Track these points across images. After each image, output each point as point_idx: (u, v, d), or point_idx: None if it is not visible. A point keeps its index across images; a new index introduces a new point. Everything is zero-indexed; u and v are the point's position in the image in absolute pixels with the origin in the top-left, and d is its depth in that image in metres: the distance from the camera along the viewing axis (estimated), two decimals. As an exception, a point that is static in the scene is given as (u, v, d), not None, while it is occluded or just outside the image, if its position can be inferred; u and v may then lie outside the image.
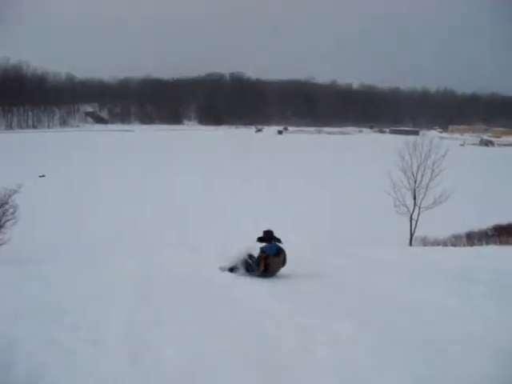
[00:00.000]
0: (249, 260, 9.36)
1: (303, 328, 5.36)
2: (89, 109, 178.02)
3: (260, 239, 9.61)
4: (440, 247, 19.83)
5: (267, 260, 9.06)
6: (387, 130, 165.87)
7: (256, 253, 9.32)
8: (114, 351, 4.74)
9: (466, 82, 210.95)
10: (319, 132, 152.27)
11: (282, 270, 9.24)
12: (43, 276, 9.50)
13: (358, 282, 8.41)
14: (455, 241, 24.25)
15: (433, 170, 26.59)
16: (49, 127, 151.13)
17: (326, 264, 10.88)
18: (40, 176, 52.19)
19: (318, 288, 7.86)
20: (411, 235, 25.66)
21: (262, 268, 9.09)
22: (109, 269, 10.10)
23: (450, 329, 5.27)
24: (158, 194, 42.88)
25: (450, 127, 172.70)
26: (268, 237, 9.55)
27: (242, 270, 9.34)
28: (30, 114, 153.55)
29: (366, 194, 40.14)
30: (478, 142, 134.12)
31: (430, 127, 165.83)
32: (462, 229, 25.34)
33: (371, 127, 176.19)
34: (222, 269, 9.71)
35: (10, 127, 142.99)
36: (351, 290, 7.61)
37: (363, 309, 6.22)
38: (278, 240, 9.54)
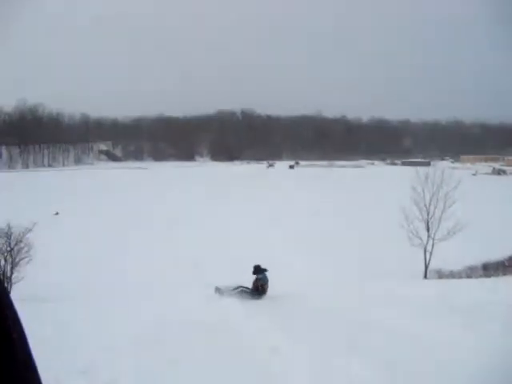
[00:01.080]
0: (244, 289, 13.62)
1: (311, 364, 5.27)
2: (103, 147, 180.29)
3: (254, 271, 13.89)
4: (455, 280, 19.51)
5: (264, 285, 13.58)
6: (399, 161, 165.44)
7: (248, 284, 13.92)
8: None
9: (475, 112, 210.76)
10: (331, 166, 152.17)
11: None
12: (55, 316, 9.49)
13: (367, 317, 8.25)
14: (470, 272, 23.93)
15: (445, 201, 26.38)
16: (64, 165, 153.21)
17: (341, 299, 10.76)
18: (54, 214, 52.60)
19: (334, 324, 7.71)
20: (426, 267, 25.32)
21: (260, 290, 13.50)
22: (122, 310, 10.05)
23: (465, 368, 5.08)
24: (170, 234, 42.75)
25: (462, 157, 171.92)
26: (258, 269, 13.82)
27: (235, 295, 12.82)
28: (45, 152, 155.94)
29: (380, 227, 39.82)
30: (490, 171, 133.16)
31: (442, 158, 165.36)
32: (478, 260, 25.01)
33: (383, 159, 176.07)
34: (218, 291, 13.35)
35: (26, 166, 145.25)
36: (362, 326, 7.47)
37: (372, 345, 6.10)
38: (265, 270, 13.93)
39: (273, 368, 5.44)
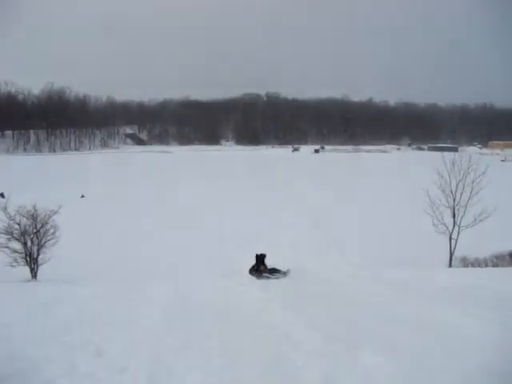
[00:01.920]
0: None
1: (329, 356, 5.18)
2: (128, 131, 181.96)
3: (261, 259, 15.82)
4: (480, 269, 19.15)
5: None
6: (425, 146, 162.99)
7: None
8: (135, 379, 4.67)
9: (505, 96, 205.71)
10: (356, 150, 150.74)
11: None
12: (76, 298, 9.60)
13: (390, 308, 8.11)
14: (497, 261, 23.51)
15: (472, 188, 25.84)
16: (90, 149, 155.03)
17: (361, 287, 10.64)
18: (80, 197, 53.41)
19: (353, 314, 7.58)
20: (451, 255, 24.92)
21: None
22: (140, 293, 10.11)
23: (487, 364, 4.89)
24: (193, 215, 42.94)
25: (490, 143, 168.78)
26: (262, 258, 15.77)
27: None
28: (72, 136, 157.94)
29: (404, 213, 39.44)
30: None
31: (470, 143, 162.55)
32: (505, 248, 24.54)
33: (409, 144, 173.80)
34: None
35: (53, 149, 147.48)
36: (383, 316, 7.34)
37: (393, 335, 5.98)
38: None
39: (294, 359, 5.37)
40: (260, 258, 15.68)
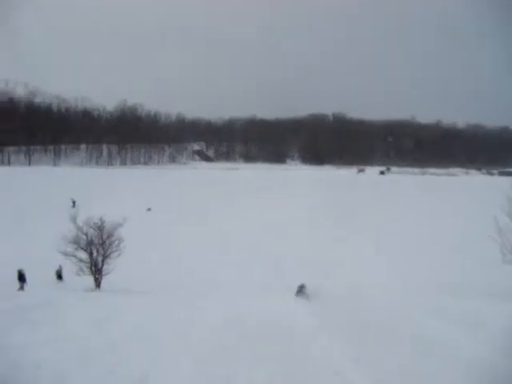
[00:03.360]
0: None
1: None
2: (196, 147, 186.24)
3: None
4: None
5: None
6: (495, 171, 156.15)
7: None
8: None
9: None
10: (423, 173, 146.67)
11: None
12: (129, 315, 9.78)
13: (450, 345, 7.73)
14: None
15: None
16: (158, 163, 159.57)
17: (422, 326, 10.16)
18: (147, 210, 54.60)
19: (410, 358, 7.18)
20: (520, 287, 23.68)
21: None
22: (194, 313, 10.16)
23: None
24: (258, 233, 42.90)
25: None
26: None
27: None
28: (142, 150, 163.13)
29: (469, 241, 37.89)
30: None
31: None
32: None
33: (478, 169, 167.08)
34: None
35: (124, 163, 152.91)
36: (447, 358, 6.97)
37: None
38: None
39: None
40: None
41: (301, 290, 20.75)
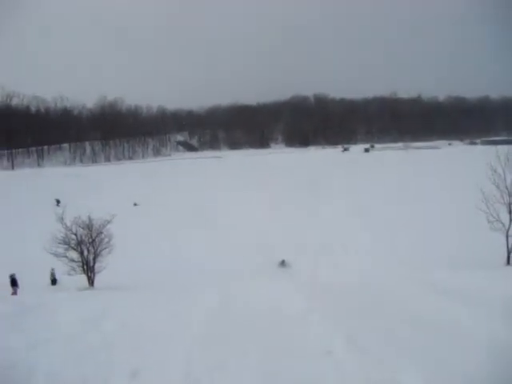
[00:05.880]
0: None
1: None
2: (179, 138, 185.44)
3: None
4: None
5: None
6: (478, 141, 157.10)
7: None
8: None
9: None
10: (406, 147, 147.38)
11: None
12: (124, 309, 9.81)
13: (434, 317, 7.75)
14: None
15: (530, 182, 24.82)
16: (143, 157, 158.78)
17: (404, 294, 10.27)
18: (133, 205, 54.48)
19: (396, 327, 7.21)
20: (508, 253, 24.06)
21: None
22: (185, 303, 10.20)
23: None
24: (243, 221, 43.12)
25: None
26: None
27: None
28: (125, 145, 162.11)
29: (457, 211, 38.28)
30: None
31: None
32: None
33: (461, 139, 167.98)
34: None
35: (108, 159, 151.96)
36: (427, 329, 7.03)
37: (434, 351, 5.78)
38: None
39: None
40: None
41: (282, 263, 28.03)
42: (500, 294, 9.36)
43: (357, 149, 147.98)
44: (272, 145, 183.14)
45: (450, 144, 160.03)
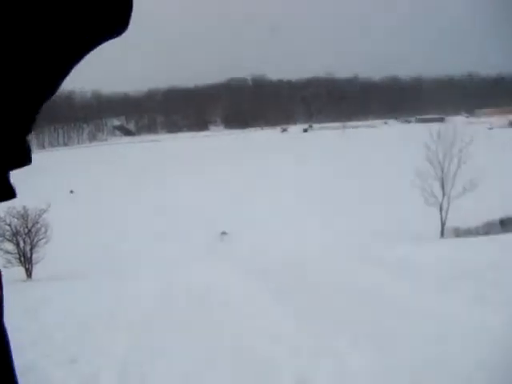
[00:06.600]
0: None
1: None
2: (116, 122, 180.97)
3: None
4: (472, 238, 19.16)
5: None
6: (413, 119, 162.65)
7: None
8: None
9: (489, 63, 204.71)
10: (344, 127, 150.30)
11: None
12: (64, 298, 9.56)
13: (374, 290, 7.93)
14: (488, 229, 23.59)
15: (460, 158, 25.83)
16: (78, 143, 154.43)
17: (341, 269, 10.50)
18: (70, 192, 53.26)
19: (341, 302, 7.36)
20: (442, 226, 25.01)
21: None
22: (126, 289, 10.08)
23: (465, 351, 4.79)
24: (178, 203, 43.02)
25: (477, 111, 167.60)
26: None
27: None
28: (60, 132, 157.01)
29: (392, 187, 39.34)
30: (506, 124, 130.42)
31: (457, 113, 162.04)
32: (496, 215, 24.63)
33: (396, 118, 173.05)
34: None
35: (42, 147, 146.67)
36: (363, 299, 7.21)
37: (366, 321, 5.91)
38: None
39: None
40: None
41: (223, 234, 30.85)
42: (433, 265, 9.71)
43: (296, 129, 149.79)
44: (211, 127, 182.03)
45: (385, 123, 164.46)
